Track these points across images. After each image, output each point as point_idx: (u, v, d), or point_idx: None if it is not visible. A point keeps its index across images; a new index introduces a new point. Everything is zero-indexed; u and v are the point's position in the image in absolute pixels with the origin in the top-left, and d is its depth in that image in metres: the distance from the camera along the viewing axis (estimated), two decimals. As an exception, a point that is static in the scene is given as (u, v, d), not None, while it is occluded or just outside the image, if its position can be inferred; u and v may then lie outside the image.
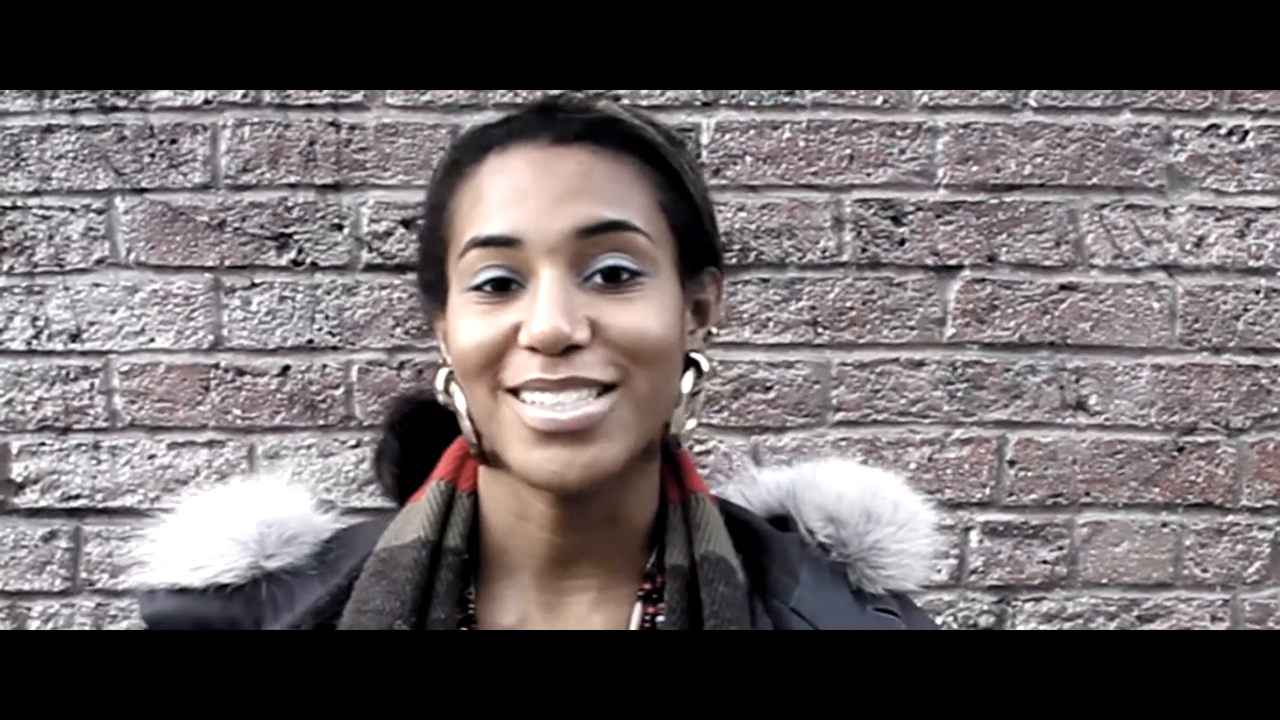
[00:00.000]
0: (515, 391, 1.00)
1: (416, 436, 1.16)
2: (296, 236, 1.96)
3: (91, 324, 1.96)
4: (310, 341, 1.96)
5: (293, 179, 1.96)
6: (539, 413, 0.99)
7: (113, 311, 1.96)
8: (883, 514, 1.14)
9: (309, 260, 1.96)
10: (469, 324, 1.01)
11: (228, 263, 1.96)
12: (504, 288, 1.00)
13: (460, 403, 1.06)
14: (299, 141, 1.96)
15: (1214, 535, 1.99)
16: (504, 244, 1.00)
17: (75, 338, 1.95)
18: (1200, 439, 1.99)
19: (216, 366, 1.96)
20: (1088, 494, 1.99)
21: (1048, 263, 1.99)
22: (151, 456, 1.95)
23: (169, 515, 1.14)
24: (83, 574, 1.95)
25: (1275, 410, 1.99)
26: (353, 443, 1.96)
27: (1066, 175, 2.00)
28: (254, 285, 1.96)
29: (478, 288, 1.01)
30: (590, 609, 1.08)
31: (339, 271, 1.96)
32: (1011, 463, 1.99)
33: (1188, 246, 2.00)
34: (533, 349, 0.98)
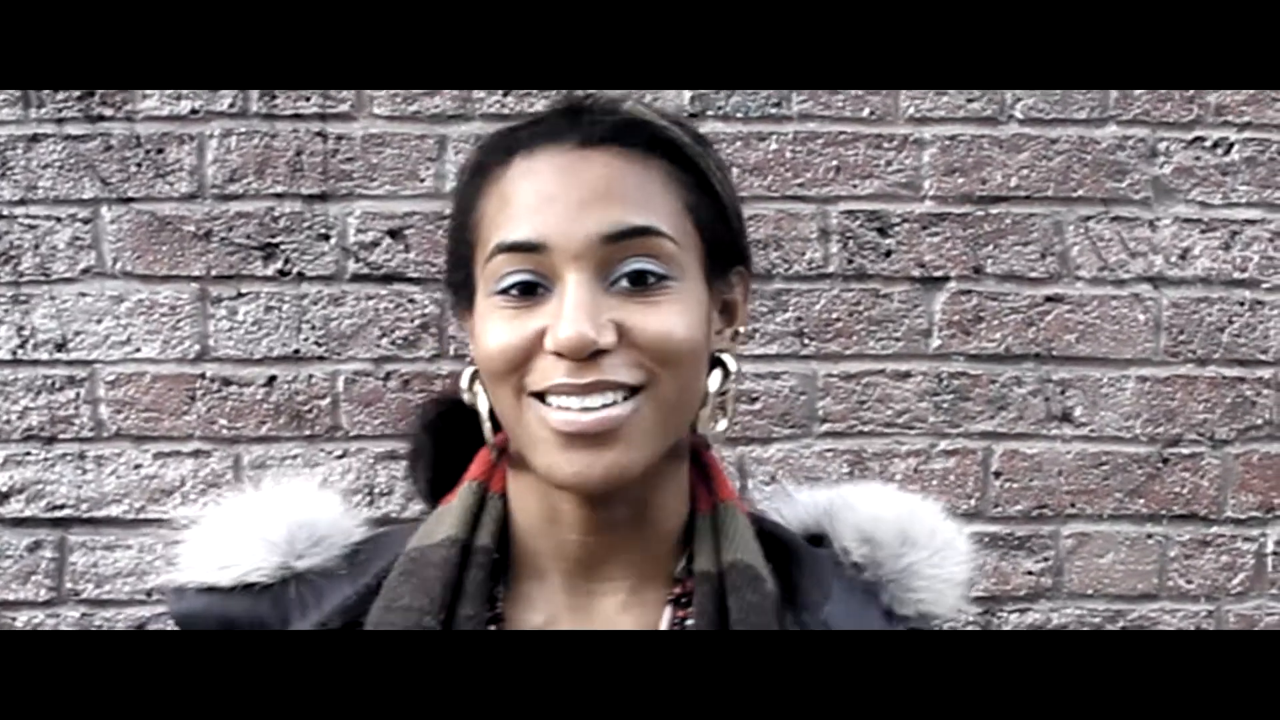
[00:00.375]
0: (541, 396, 1.00)
1: (451, 438, 1.16)
2: (283, 246, 1.96)
3: (77, 333, 1.95)
4: (296, 352, 1.96)
5: (279, 189, 1.96)
6: (563, 415, 0.99)
7: (98, 321, 1.95)
8: (919, 538, 1.14)
9: (295, 270, 1.96)
10: (495, 328, 1.01)
11: (214, 272, 1.96)
12: (530, 292, 1.01)
13: (483, 404, 1.07)
14: (286, 151, 1.96)
15: (1199, 546, 1.99)
16: (530, 249, 1.00)
17: (61, 347, 1.95)
18: (1185, 450, 2.00)
19: (202, 376, 1.96)
20: (1073, 505, 1.99)
21: (1033, 274, 2.00)
22: (137, 466, 1.95)
23: (200, 517, 1.14)
24: (68, 584, 1.94)
25: (1259, 422, 2.00)
26: (339, 453, 1.96)
27: (1052, 187, 2.00)
28: (240, 295, 1.96)
29: (504, 292, 1.01)
30: (619, 611, 1.08)
31: (325, 281, 1.96)
32: (997, 474, 1.99)
33: (1173, 258, 2.00)
34: (559, 354, 0.98)
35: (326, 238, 1.96)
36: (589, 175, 1.01)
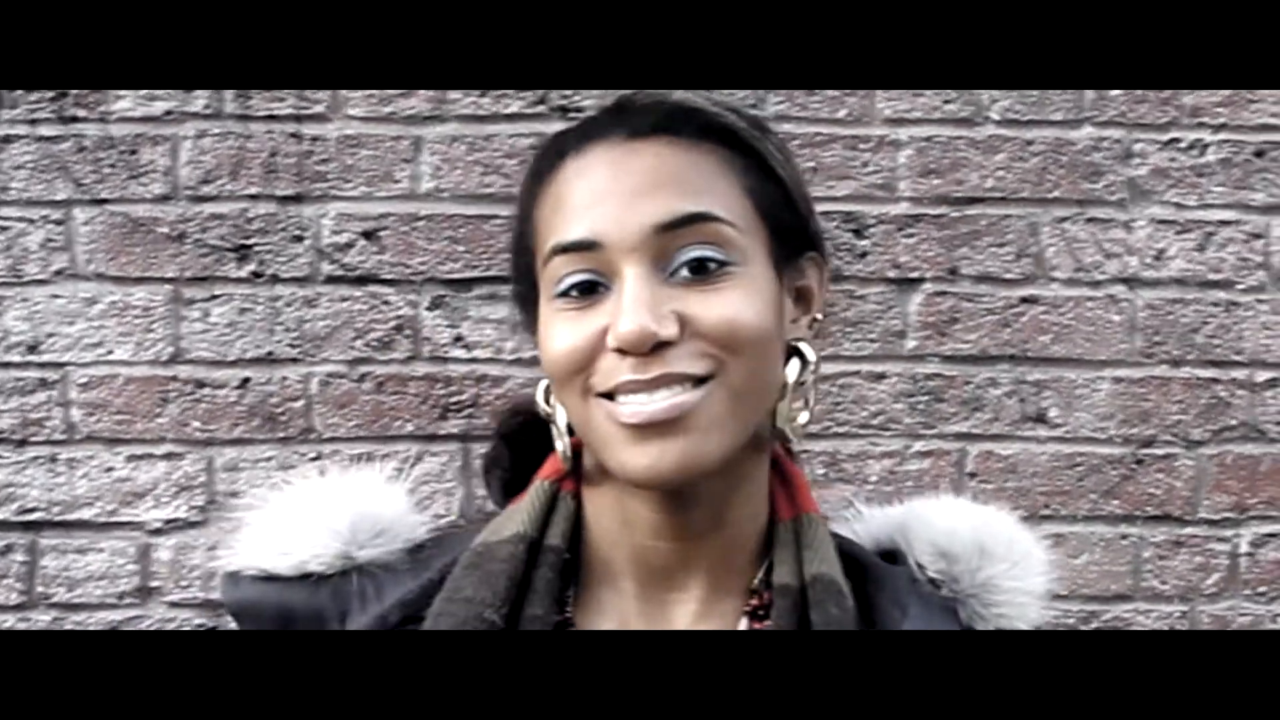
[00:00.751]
0: (609, 395, 0.98)
1: (529, 446, 1.14)
2: (257, 248, 1.95)
3: (49, 335, 1.94)
4: (270, 354, 1.95)
5: (253, 190, 1.95)
6: (631, 408, 0.97)
7: (71, 323, 1.94)
8: (996, 551, 1.12)
9: (269, 272, 1.95)
10: (558, 330, 1.00)
11: (187, 274, 1.95)
12: (590, 291, 0.99)
13: (561, 418, 1.06)
14: (260, 153, 1.95)
15: (1173, 547, 2.00)
16: (585, 248, 0.98)
17: (33, 349, 1.94)
18: (1159, 451, 2.00)
19: (175, 378, 1.95)
20: (1047, 506, 1.99)
21: (1009, 275, 2.00)
22: (109, 469, 1.94)
23: (263, 504, 1.12)
24: (39, 587, 1.93)
25: (1234, 423, 2.00)
26: (312, 455, 1.95)
27: (1028, 188, 2.00)
28: (214, 297, 1.95)
29: (564, 294, 0.99)
30: (693, 622, 1.06)
31: (299, 283, 1.95)
32: (972, 475, 1.99)
33: (1148, 260, 2.01)
34: (622, 351, 0.96)
35: (301, 239, 1.96)
36: (639, 166, 0.99)
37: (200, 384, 1.95)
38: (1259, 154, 2.02)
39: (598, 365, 0.98)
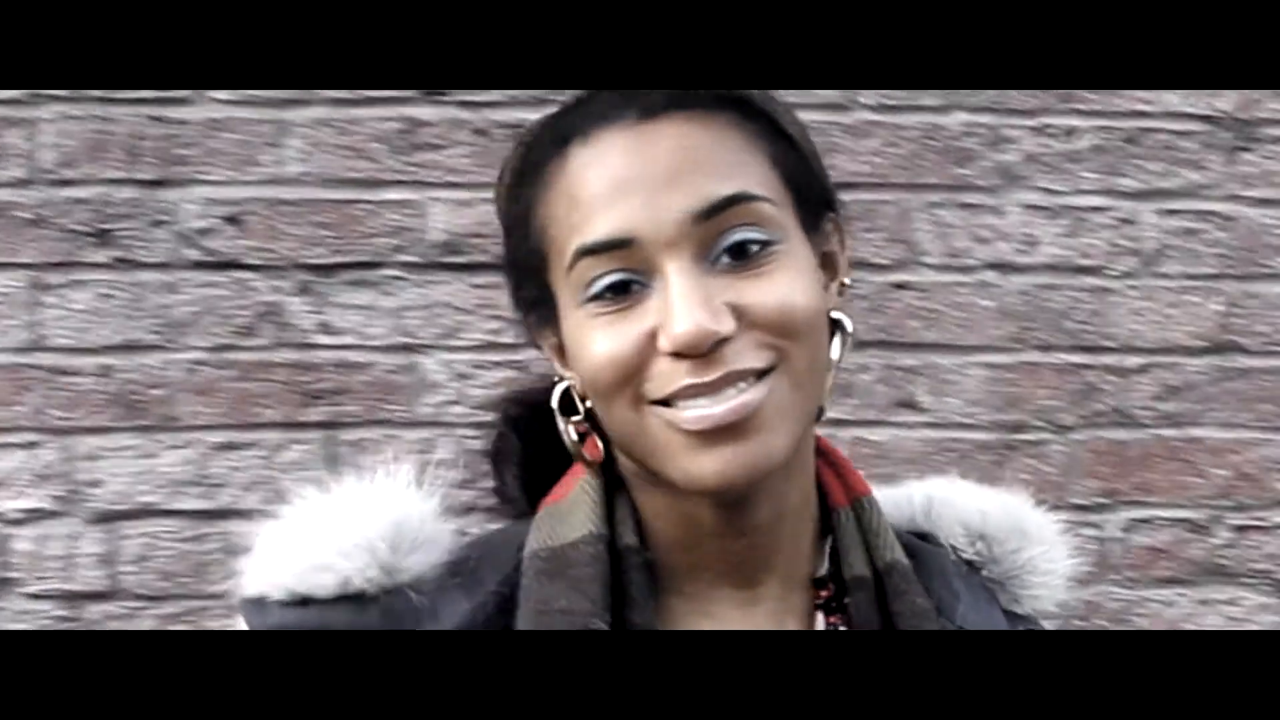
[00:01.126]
0: (666, 402, 0.91)
1: (543, 436, 1.04)
2: (118, 233, 1.92)
3: (-95, 322, 1.91)
4: (132, 340, 1.92)
5: (115, 174, 1.92)
6: (695, 413, 0.90)
7: (-73, 310, 1.91)
8: (1031, 532, 1.10)
9: (131, 257, 1.92)
10: (597, 337, 0.92)
11: (47, 260, 1.91)
12: (625, 290, 0.91)
13: (571, 433, 0.99)
14: (122, 136, 1.92)
15: (1043, 533, 2.00)
16: (617, 246, 0.90)
17: (-112, 337, 1.91)
18: (1030, 437, 2.00)
19: (35, 366, 1.91)
20: (919, 492, 1.99)
21: (880, 261, 1.99)
22: (-34, 458, 1.91)
23: (277, 518, 1.00)
24: (-107, 579, 1.90)
25: (1103, 409, 2.01)
26: (175, 444, 1.92)
27: (899, 174, 2.00)
28: (74, 283, 1.92)
29: (597, 298, 0.92)
30: (773, 620, 1.00)
31: (161, 269, 1.92)
32: (843, 461, 1.98)
33: (1019, 245, 2.01)
34: (678, 354, 0.89)
35: (163, 224, 1.93)
36: (660, 150, 0.91)
37: (60, 371, 1.91)
38: (1130, 140, 2.02)
39: (650, 371, 0.91)
